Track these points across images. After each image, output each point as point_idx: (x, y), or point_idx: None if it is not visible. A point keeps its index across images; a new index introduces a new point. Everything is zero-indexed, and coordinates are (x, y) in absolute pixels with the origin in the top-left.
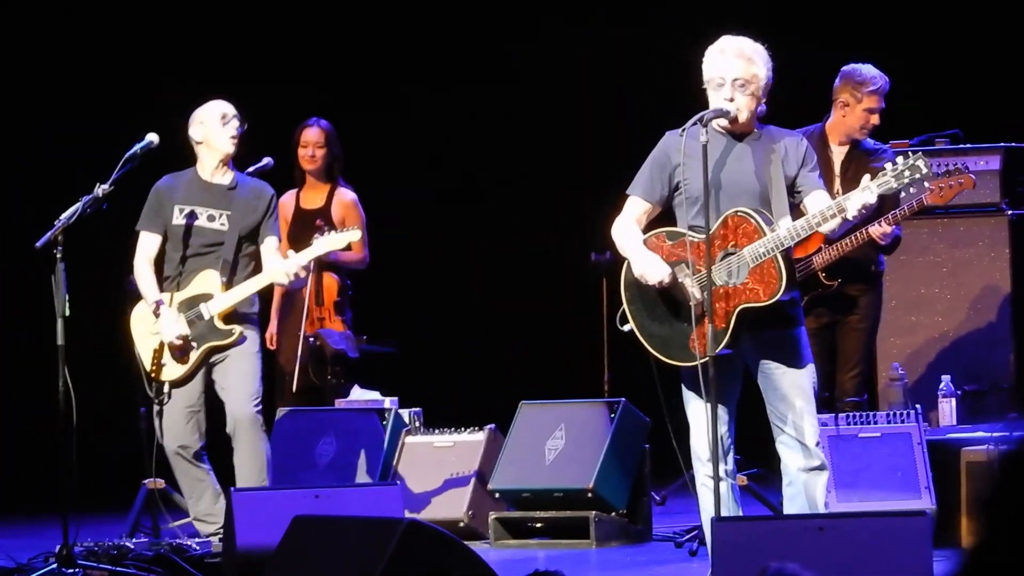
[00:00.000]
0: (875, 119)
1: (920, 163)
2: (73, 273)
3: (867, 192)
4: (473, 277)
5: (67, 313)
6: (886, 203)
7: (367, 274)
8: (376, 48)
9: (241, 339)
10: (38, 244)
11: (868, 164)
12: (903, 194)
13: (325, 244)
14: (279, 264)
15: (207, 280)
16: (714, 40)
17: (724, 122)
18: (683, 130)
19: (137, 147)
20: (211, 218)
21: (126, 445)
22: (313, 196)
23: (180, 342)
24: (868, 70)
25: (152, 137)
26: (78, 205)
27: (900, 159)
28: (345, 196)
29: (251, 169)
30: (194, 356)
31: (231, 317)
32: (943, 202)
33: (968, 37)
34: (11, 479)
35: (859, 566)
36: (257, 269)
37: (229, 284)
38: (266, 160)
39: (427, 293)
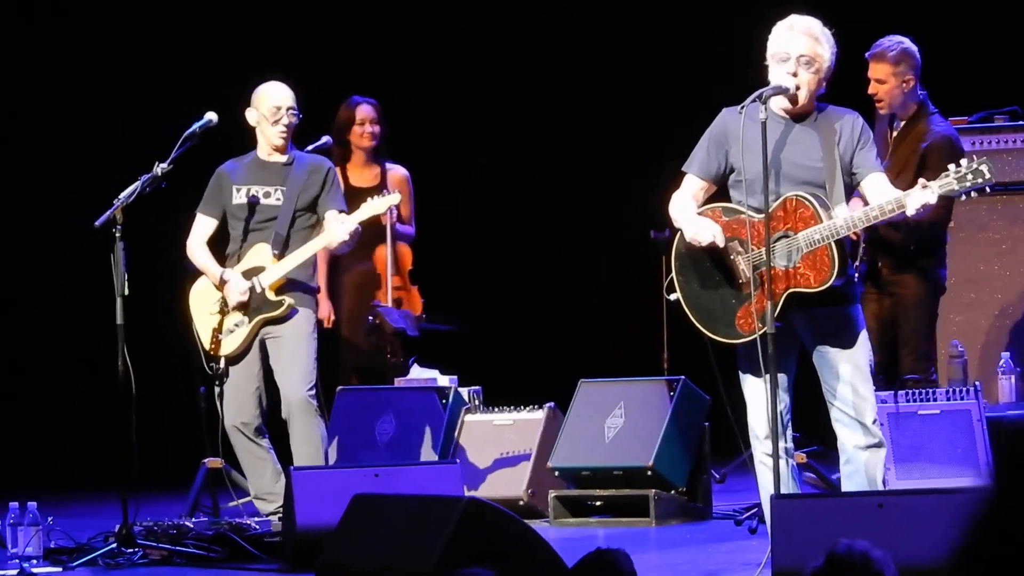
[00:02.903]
0: (875, 89)
1: (984, 168)
2: (132, 252)
3: (928, 192)
4: (533, 255)
5: (126, 292)
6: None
7: (427, 252)
8: (426, 25)
9: (292, 312)
10: (97, 223)
11: (917, 147)
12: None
13: (369, 208)
14: (337, 224)
15: (259, 253)
16: (775, 17)
17: (784, 103)
18: (742, 107)
19: (196, 125)
20: (267, 195)
21: (186, 424)
22: (364, 173)
23: (245, 298)
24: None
25: (211, 115)
26: (137, 184)
27: (964, 162)
28: (398, 172)
29: (310, 148)
30: (247, 329)
31: (284, 288)
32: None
33: None
34: (71, 458)
35: (918, 543)
36: None
37: (281, 256)
38: (325, 139)
39: (487, 271)
